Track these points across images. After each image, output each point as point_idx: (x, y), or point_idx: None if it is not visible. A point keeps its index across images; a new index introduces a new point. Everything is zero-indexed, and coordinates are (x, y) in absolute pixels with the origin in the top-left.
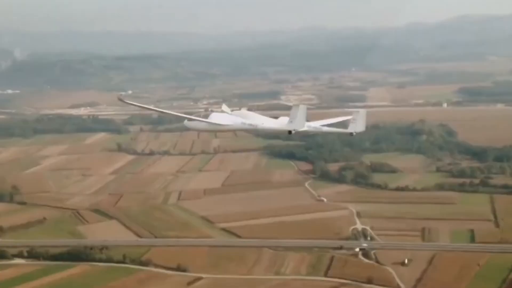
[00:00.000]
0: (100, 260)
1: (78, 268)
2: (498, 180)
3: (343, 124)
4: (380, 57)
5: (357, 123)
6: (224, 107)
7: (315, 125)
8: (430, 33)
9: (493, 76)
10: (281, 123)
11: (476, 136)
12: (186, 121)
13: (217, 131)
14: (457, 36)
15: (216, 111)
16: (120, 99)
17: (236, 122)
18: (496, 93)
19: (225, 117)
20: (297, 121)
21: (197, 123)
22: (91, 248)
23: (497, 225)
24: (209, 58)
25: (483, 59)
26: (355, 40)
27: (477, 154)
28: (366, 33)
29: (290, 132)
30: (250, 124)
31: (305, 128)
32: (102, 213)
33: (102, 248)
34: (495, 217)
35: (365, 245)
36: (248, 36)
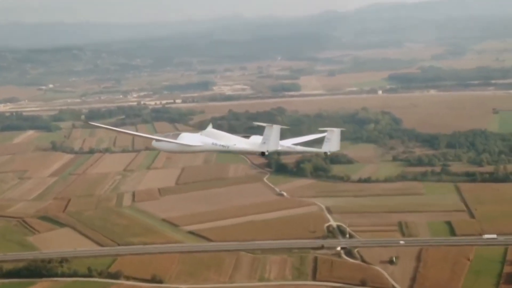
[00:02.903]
0: (63, 275)
1: (40, 286)
2: (457, 167)
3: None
4: (302, 45)
5: (332, 142)
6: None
7: (288, 144)
8: (344, 21)
9: (417, 62)
10: (253, 143)
11: (421, 123)
12: (154, 142)
13: (186, 152)
14: (371, 24)
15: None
16: (85, 121)
17: (207, 142)
18: (424, 79)
19: (195, 137)
20: (271, 142)
21: (166, 144)
22: (49, 262)
23: (472, 215)
24: (129, 49)
25: (401, 46)
26: (273, 28)
27: (428, 141)
28: (283, 21)
29: (263, 153)
30: (222, 145)
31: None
32: (52, 221)
33: (62, 260)
34: (467, 207)
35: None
36: (166, 26)
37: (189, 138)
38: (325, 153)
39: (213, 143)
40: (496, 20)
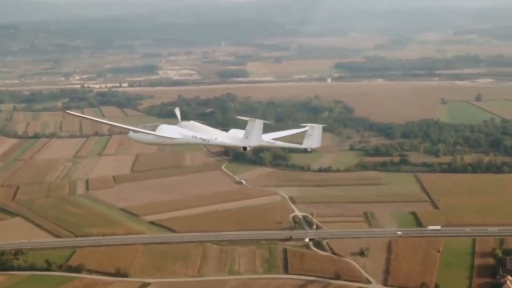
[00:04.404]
0: (20, 268)
1: None
2: (415, 158)
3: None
4: (246, 31)
5: (313, 138)
6: (177, 110)
7: (267, 138)
8: (288, 8)
9: (361, 51)
10: (233, 137)
11: (374, 113)
12: (130, 133)
13: (165, 144)
14: (314, 12)
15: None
16: (62, 110)
17: (186, 135)
18: (370, 68)
19: (174, 130)
20: (253, 136)
21: (143, 135)
22: (2, 254)
23: (435, 206)
24: (68, 29)
25: (344, 35)
26: (215, 13)
27: (383, 130)
28: (225, 5)
29: (245, 148)
30: (202, 139)
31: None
32: (0, 209)
33: (16, 252)
34: (430, 197)
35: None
36: (105, 6)
37: (168, 130)
38: (306, 149)
39: (193, 136)
40: (433, 12)
